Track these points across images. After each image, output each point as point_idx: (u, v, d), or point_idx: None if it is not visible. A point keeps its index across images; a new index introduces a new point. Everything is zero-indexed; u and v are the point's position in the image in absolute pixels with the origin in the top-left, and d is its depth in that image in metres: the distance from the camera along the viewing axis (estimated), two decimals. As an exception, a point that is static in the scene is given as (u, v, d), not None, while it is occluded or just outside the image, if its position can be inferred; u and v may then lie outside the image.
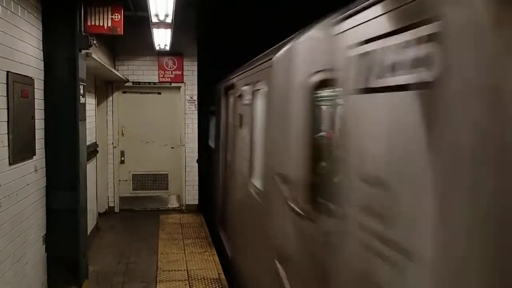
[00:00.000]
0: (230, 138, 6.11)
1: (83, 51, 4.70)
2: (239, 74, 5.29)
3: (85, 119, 5.05)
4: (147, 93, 9.01)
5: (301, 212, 2.62)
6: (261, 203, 3.88)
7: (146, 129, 9.04)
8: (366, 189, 1.79)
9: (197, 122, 9.13)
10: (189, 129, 9.04)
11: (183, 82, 8.92)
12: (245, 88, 4.76)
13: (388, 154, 1.65)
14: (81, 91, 4.69)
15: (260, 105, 4.15)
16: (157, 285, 5.37)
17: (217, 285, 5.44)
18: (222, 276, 5.73)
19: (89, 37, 4.63)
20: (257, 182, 4.13)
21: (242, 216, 4.97)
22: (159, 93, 9.09)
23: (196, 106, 9.07)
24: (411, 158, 1.48)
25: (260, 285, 3.89)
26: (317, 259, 2.38)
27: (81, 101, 4.69)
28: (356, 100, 1.92)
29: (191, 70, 8.93)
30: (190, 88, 8.96)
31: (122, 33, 4.96)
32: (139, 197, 9.20)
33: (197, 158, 9.16)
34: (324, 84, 2.40)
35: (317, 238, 2.42)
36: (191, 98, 8.98)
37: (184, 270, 5.91)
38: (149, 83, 8.85)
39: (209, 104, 9.33)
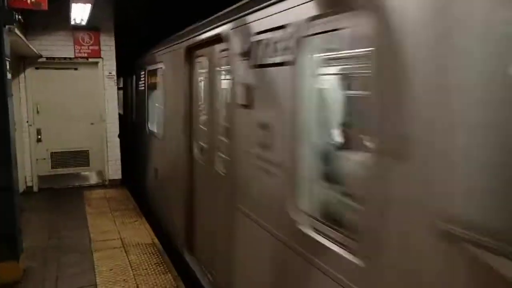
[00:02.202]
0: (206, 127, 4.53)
1: (7, 26, 4.64)
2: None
3: (12, 95, 5.00)
4: (62, 68, 8.78)
5: None
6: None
7: (63, 106, 8.85)
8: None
9: (116, 97, 9.14)
10: (109, 105, 9.03)
11: (101, 57, 8.84)
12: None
13: None
14: (8, 67, 4.66)
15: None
16: (94, 254, 5.62)
17: (152, 249, 5.84)
18: (156, 240, 6.13)
19: (14, 12, 4.58)
20: None
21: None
22: (76, 69, 8.91)
23: (115, 81, 9.06)
24: None
25: None
26: None
27: (8, 77, 4.66)
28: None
29: (109, 45, 8.86)
30: (109, 63, 8.91)
31: (46, 9, 4.95)
32: (59, 175, 9.07)
33: (118, 133, 9.23)
34: None
35: None
36: (110, 73, 8.94)
37: (118, 238, 6.19)
38: (65, 58, 8.63)
39: (132, 79, 9.34)
